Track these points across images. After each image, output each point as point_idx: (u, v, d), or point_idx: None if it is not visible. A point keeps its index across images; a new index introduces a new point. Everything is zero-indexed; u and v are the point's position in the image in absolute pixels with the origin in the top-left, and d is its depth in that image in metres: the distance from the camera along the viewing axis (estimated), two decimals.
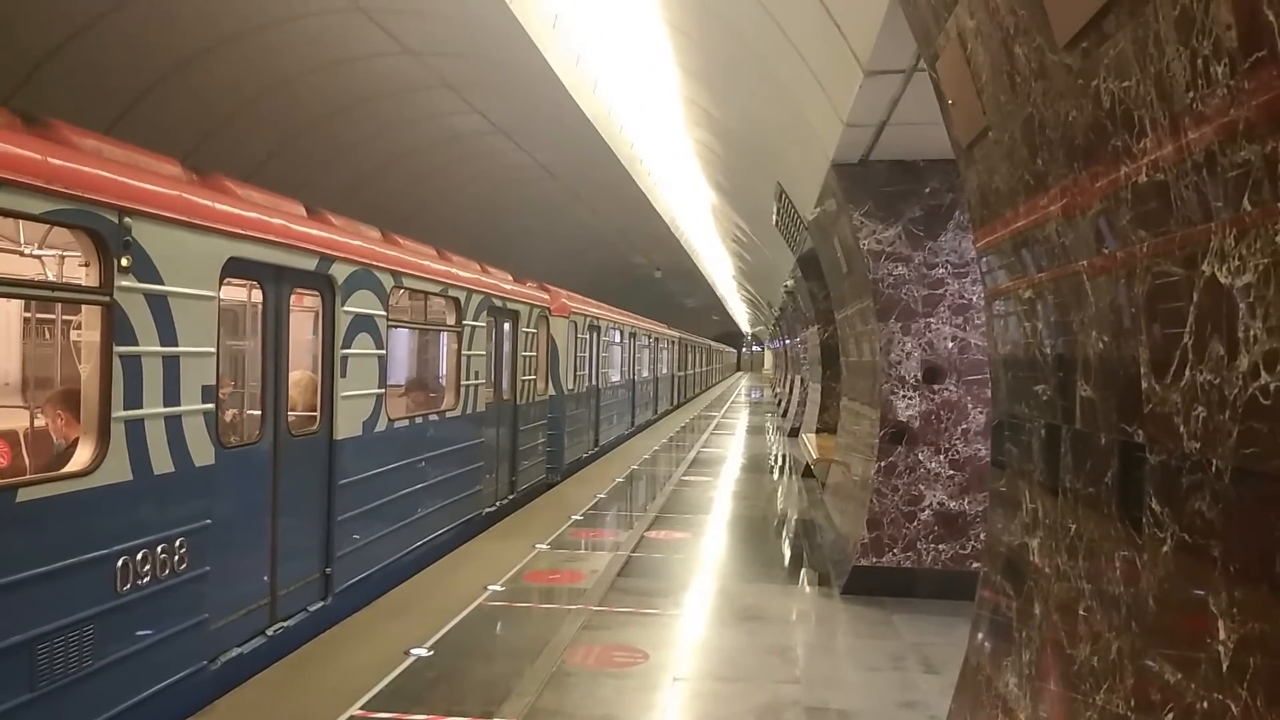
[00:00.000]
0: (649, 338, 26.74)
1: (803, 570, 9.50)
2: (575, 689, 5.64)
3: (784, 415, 30.12)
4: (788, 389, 33.89)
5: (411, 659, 6.05)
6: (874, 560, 7.94)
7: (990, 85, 3.31)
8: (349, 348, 7.17)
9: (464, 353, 9.77)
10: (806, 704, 5.52)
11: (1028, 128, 3.07)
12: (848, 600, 7.92)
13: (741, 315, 66.17)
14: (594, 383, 17.83)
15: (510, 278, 12.27)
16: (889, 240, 8.02)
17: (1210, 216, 2.00)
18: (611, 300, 22.32)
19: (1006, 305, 3.68)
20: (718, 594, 8.23)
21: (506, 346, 11.84)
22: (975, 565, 7.45)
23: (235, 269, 5.69)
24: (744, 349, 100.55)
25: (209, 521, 5.27)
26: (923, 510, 7.89)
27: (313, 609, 6.68)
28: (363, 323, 7.39)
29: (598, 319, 17.94)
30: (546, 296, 13.85)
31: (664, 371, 31.06)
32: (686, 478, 15.44)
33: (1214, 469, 2.03)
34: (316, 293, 6.94)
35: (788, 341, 35.42)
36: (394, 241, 8.41)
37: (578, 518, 11.27)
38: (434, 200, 18.30)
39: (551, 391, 14.23)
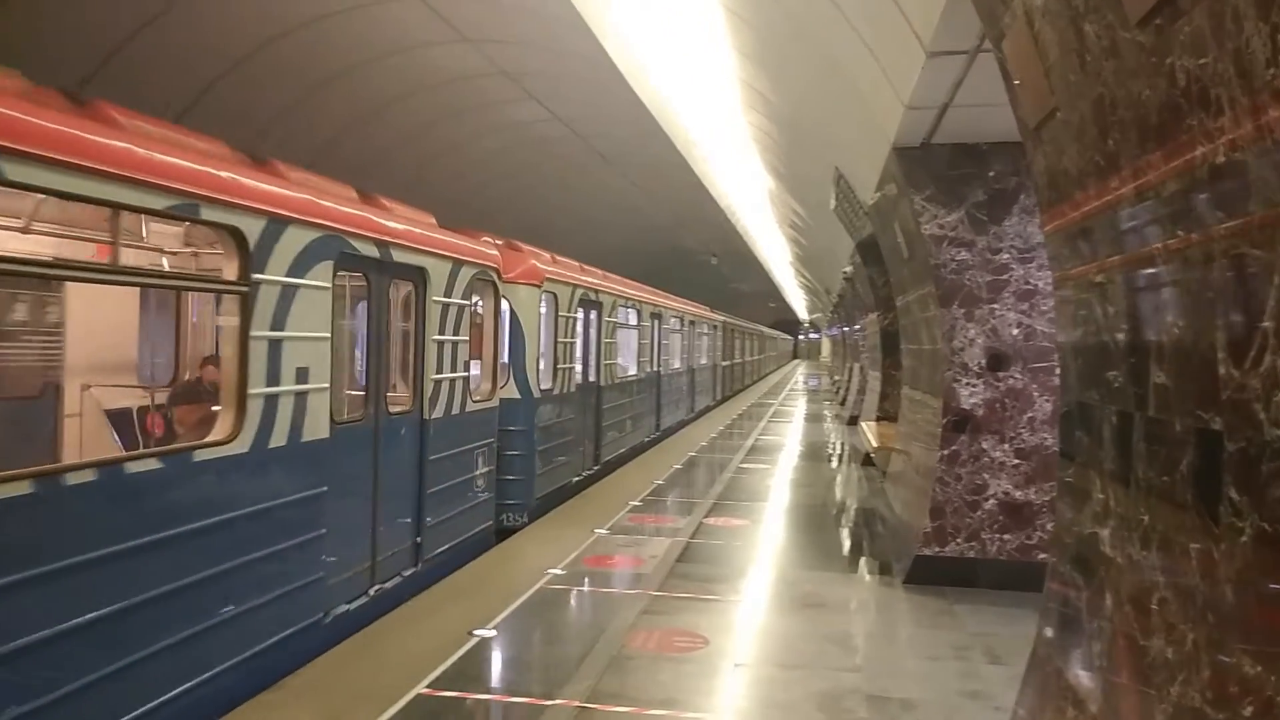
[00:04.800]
0: (680, 320, 21.55)
1: (863, 559, 9.44)
2: (636, 672, 5.69)
3: (842, 403, 29.87)
4: (846, 377, 33.57)
5: (475, 640, 6.16)
6: (936, 550, 7.85)
7: (1059, 65, 3.24)
8: None
9: (254, 334, 5.25)
10: (867, 692, 5.49)
11: (1098, 107, 3.00)
12: (909, 590, 7.85)
13: (799, 302, 65.63)
14: (593, 378, 13.32)
15: (434, 222, 8.10)
16: (951, 225, 7.89)
17: None
18: (665, 288, 21.82)
19: (1076, 290, 3.60)
20: (777, 581, 8.21)
21: (398, 325, 7.55)
22: (1042, 556, 7.33)
23: None
24: (801, 336, 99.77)
25: None
26: (987, 500, 7.78)
27: None
28: None
29: (596, 291, 13.14)
30: (494, 254, 9.12)
31: (704, 361, 26.10)
32: (744, 465, 15.41)
33: None
34: None
35: (846, 329, 35.05)
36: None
37: (636, 503, 11.33)
38: (490, 188, 18.47)
39: (513, 393, 10.09)
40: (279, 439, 5.50)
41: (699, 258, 33.65)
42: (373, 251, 6.63)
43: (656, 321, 18.39)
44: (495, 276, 9.12)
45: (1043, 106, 3.48)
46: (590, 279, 13.05)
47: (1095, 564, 3.33)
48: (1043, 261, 7.68)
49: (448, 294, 7.91)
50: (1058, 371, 7.39)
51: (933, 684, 5.72)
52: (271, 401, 5.43)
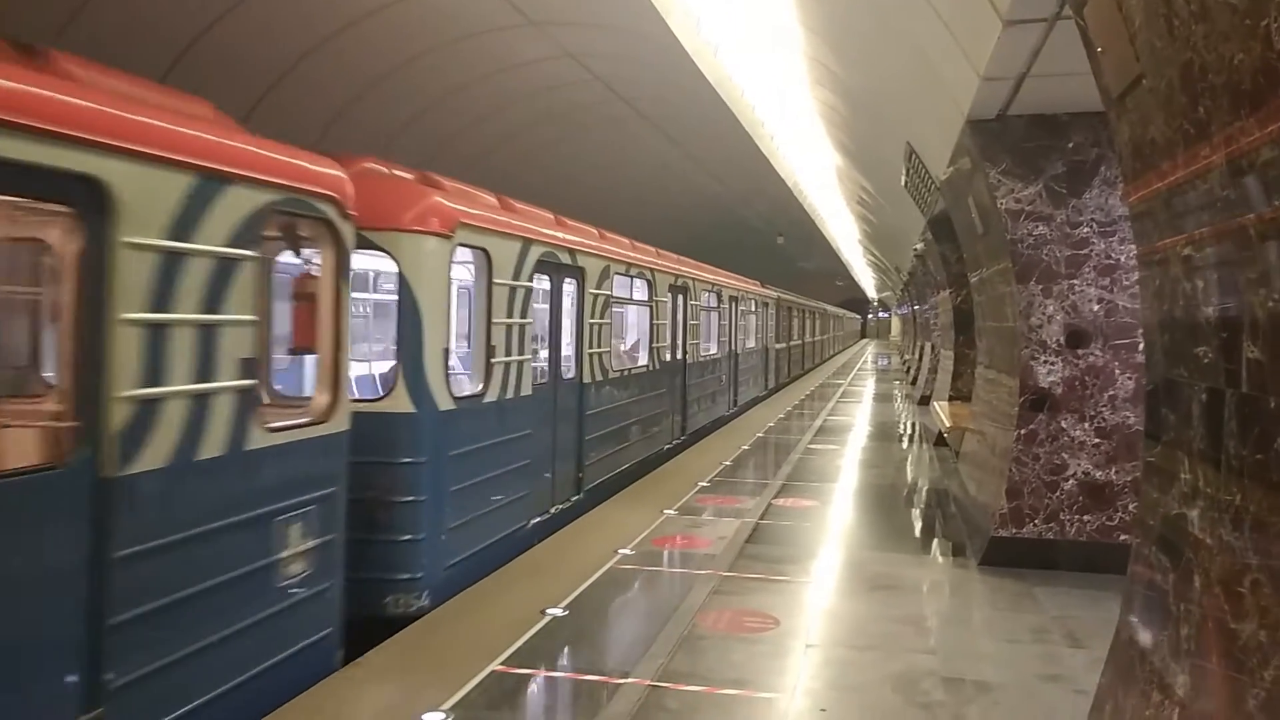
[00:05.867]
0: (717, 295, 17.73)
1: (935, 540, 9.31)
2: (707, 652, 5.71)
3: (913, 383, 29.43)
4: (917, 356, 33.04)
5: (547, 618, 6.24)
6: (1013, 531, 7.71)
7: (1144, 30, 3.12)
8: None
9: None
10: (943, 675, 5.43)
11: (1187, 73, 2.88)
12: (984, 571, 7.72)
13: (867, 280, 64.71)
14: (571, 374, 9.88)
15: (210, 114, 4.80)
16: (1029, 199, 7.68)
17: None
18: (730, 267, 21.30)
19: (1162, 264, 3.48)
20: (847, 562, 8.15)
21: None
22: (1124, 537, 7.15)
23: None
24: (870, 315, 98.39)
25: None
26: (1066, 480, 7.60)
27: None
28: None
29: (572, 252, 9.38)
30: (326, 174, 5.29)
31: (750, 344, 22.08)
32: (813, 446, 15.29)
33: None
34: None
35: (916, 307, 34.46)
36: None
37: (704, 484, 11.33)
38: (557, 168, 18.56)
39: (402, 405, 6.55)
40: None
41: (765, 237, 33.36)
42: None
43: (680, 297, 14.54)
44: (333, 214, 5.22)
45: (1127, 74, 3.37)
46: (561, 234, 9.19)
47: (1182, 546, 3.23)
48: (1125, 235, 7.45)
49: (179, 234, 4.22)
50: (1141, 348, 7.19)
51: (1011, 667, 5.62)
52: None
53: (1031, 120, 7.58)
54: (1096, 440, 7.56)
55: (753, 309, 22.16)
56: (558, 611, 6.38)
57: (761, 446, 15.20)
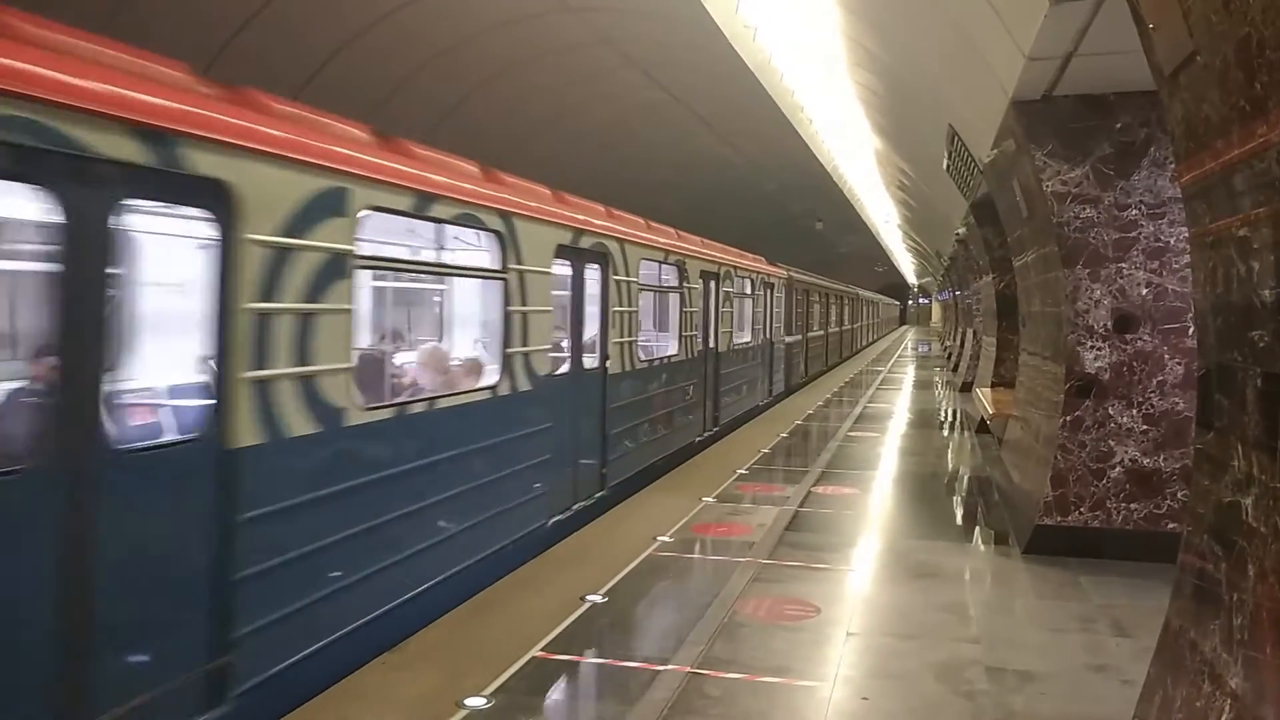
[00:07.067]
0: (672, 268, 11.70)
1: (978, 528, 9.21)
2: (747, 640, 5.70)
3: (954, 370, 29.10)
4: (958, 342, 32.64)
5: (587, 605, 6.26)
6: (1058, 519, 7.59)
7: (1199, 5, 3.03)
8: None
9: None
10: (987, 664, 5.37)
11: (1243, 49, 2.80)
12: (1029, 560, 7.62)
13: (907, 266, 63.99)
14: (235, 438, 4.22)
15: None
16: (1075, 181, 7.53)
17: None
18: (770, 254, 21.09)
19: (1215, 245, 3.39)
20: (888, 550, 8.09)
21: None
22: (1172, 526, 7.02)
23: None
24: (910, 301, 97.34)
25: None
26: (1113, 467, 7.46)
27: None
28: None
29: (218, 147, 4.02)
30: None
31: (745, 339, 16.86)
32: (853, 433, 15.18)
33: None
34: None
35: (958, 293, 34.00)
36: None
37: (743, 472, 11.30)
38: (594, 156, 18.55)
39: None
40: None
41: (803, 223, 33.09)
42: None
43: (592, 268, 9.08)
44: None
45: (1180, 51, 3.27)
46: (162, 101, 3.82)
47: (1235, 535, 3.16)
48: (1174, 217, 7.28)
49: None
50: (1191, 332, 7.03)
51: (1056, 656, 5.55)
52: None
53: (1078, 100, 7.42)
54: (1145, 427, 7.42)
55: (747, 291, 16.80)
56: (597, 598, 6.40)
57: (800, 434, 15.12)
